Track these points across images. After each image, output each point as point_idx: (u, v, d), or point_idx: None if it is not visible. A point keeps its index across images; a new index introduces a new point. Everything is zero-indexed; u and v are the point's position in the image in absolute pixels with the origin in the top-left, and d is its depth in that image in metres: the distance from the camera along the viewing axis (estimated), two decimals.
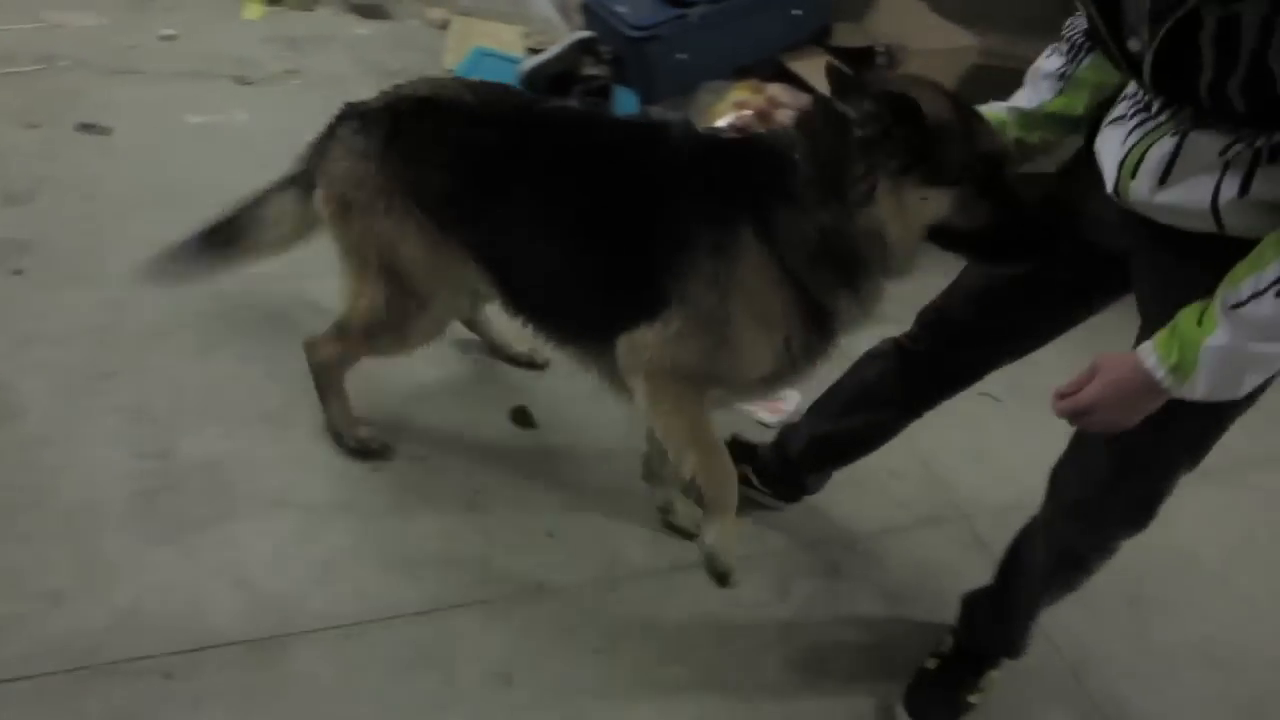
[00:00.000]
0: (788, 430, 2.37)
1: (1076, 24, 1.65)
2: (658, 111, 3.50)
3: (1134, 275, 1.59)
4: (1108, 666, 2.30)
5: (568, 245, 1.91)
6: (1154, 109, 1.43)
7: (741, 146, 1.85)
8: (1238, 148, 1.30)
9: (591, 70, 3.50)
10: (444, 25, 4.42)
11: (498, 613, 2.07)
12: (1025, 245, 1.68)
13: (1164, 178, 1.39)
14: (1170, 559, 2.59)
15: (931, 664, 2.10)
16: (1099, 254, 1.62)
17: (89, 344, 2.45)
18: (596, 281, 1.91)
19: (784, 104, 3.08)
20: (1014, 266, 1.74)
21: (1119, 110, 1.51)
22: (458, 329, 2.70)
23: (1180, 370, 1.34)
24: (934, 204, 1.61)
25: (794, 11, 3.59)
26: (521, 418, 2.56)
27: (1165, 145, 1.38)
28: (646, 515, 2.35)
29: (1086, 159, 1.60)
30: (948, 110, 1.60)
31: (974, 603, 2.10)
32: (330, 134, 2.06)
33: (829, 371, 2.74)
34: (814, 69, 3.47)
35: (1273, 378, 1.41)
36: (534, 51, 3.89)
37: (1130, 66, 1.36)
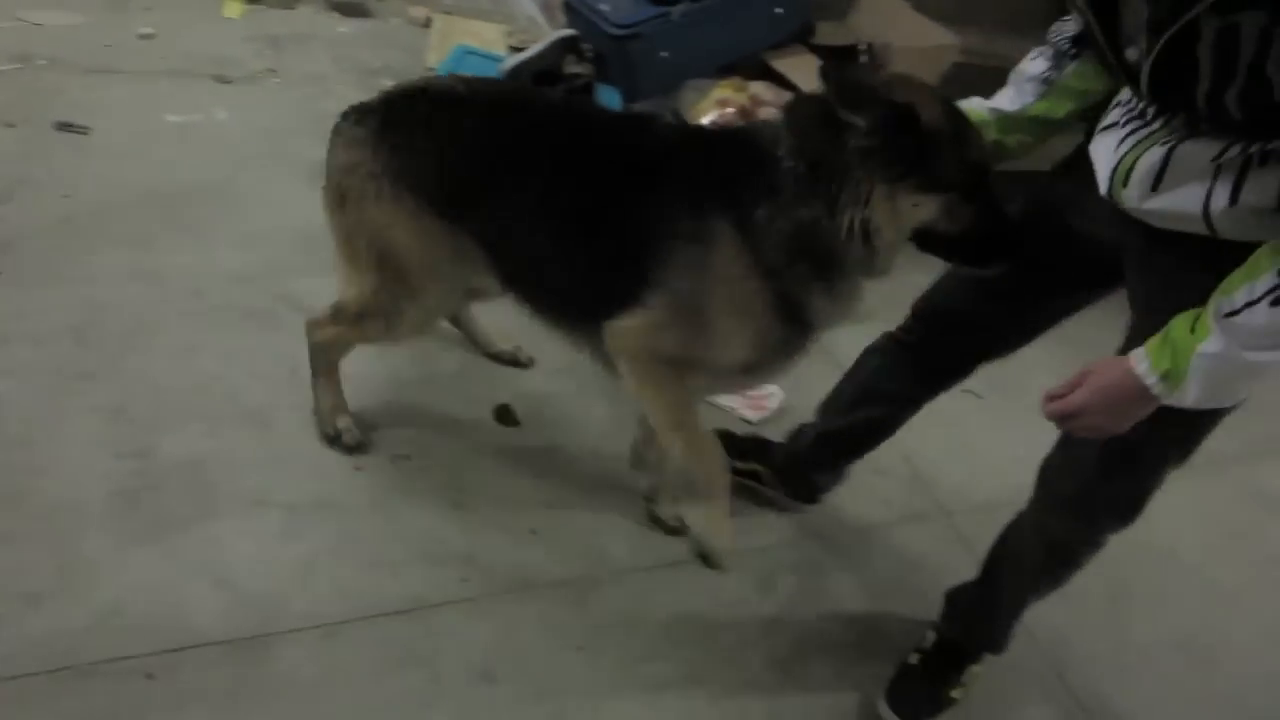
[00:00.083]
0: (798, 430, 2.39)
1: (1062, 30, 1.66)
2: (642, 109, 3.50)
3: (1128, 274, 1.59)
4: (1088, 661, 2.31)
5: (555, 231, 1.94)
6: (1148, 117, 1.44)
7: (725, 138, 1.89)
8: (1229, 154, 1.31)
9: (574, 68, 3.50)
10: (426, 23, 4.41)
11: (481, 611, 2.07)
12: (1001, 250, 1.72)
13: (1155, 185, 1.40)
14: (1150, 554, 2.60)
15: (914, 659, 2.11)
16: (1091, 245, 1.63)
17: (68, 344, 2.43)
18: (582, 267, 1.94)
19: (767, 102, 3.10)
20: (987, 269, 1.77)
21: (1112, 117, 1.53)
22: (443, 326, 2.70)
23: (1171, 377, 1.35)
24: (924, 209, 1.65)
25: (776, 10, 3.59)
26: (505, 416, 2.56)
27: (1156, 153, 1.40)
28: (630, 513, 2.35)
29: (1082, 157, 1.61)
30: (943, 118, 1.63)
31: (957, 598, 2.11)
32: (334, 133, 2.08)
33: (812, 368, 2.76)
34: (797, 67, 3.48)
35: None
36: (516, 50, 3.89)
37: (1127, 75, 1.38)
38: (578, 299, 2.01)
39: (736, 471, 2.42)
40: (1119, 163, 1.46)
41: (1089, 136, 1.60)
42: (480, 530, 2.23)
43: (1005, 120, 1.74)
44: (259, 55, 3.98)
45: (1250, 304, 1.26)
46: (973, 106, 1.76)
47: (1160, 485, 1.68)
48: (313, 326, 2.27)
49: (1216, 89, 1.24)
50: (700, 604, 2.22)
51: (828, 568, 2.39)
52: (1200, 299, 1.33)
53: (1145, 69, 1.31)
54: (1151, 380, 1.36)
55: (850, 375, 2.25)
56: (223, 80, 3.75)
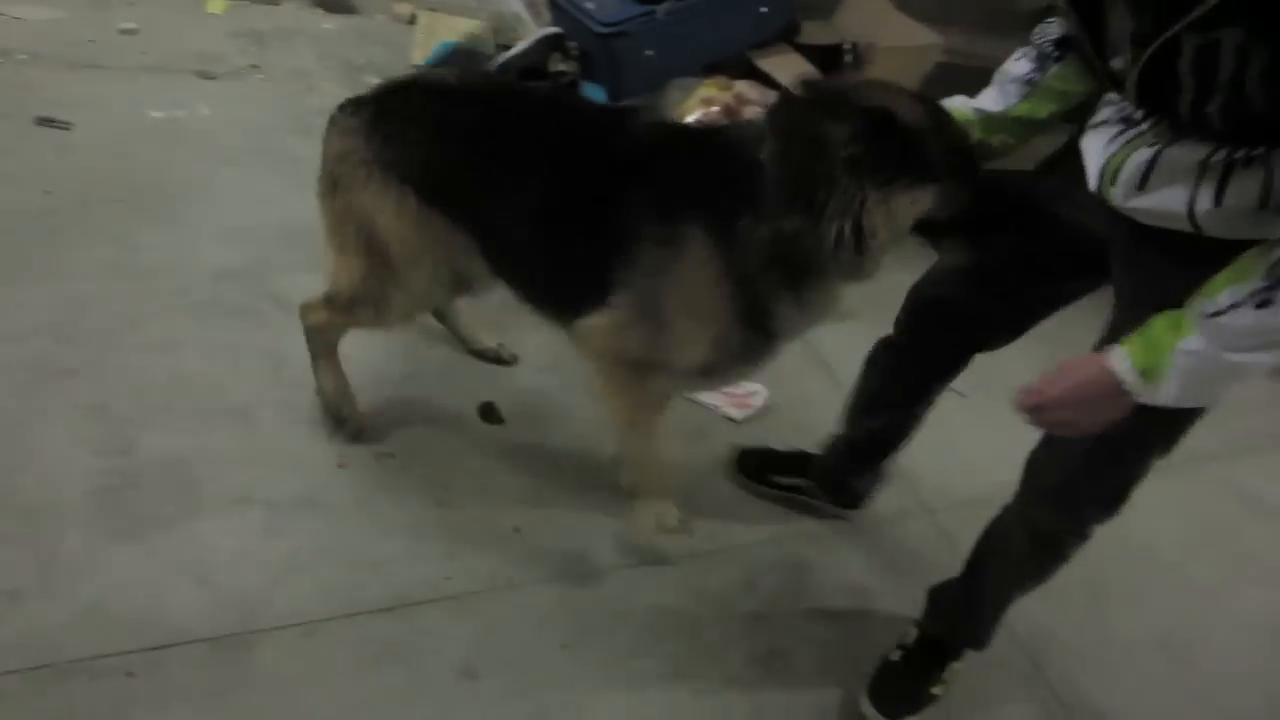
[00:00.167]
0: (830, 441, 2.41)
1: (1046, 32, 1.67)
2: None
3: (1114, 268, 1.61)
4: (1067, 656, 2.33)
5: (534, 226, 1.96)
6: (1136, 119, 1.46)
7: (704, 139, 1.89)
8: (1215, 158, 1.32)
9: (559, 66, 3.50)
10: (411, 20, 4.40)
11: (464, 608, 2.07)
12: (1001, 217, 1.73)
13: (1142, 184, 1.42)
14: (1129, 551, 2.62)
15: (896, 656, 2.12)
16: (1080, 235, 1.64)
17: (48, 341, 2.42)
18: (559, 262, 1.97)
19: (751, 101, 3.11)
20: (990, 245, 1.77)
21: (1102, 115, 1.54)
22: (428, 323, 2.70)
23: (1150, 375, 1.36)
24: (920, 203, 1.66)
25: (761, 9, 3.60)
26: (489, 413, 2.56)
27: (1144, 154, 1.41)
28: (614, 511, 2.35)
29: (1072, 152, 1.63)
30: (919, 113, 1.64)
31: (940, 595, 2.12)
32: (330, 122, 2.12)
33: (797, 367, 2.77)
34: (782, 66, 3.49)
35: None
36: (502, 47, 3.88)
37: (1113, 83, 1.41)
38: (556, 294, 2.04)
39: (780, 486, 2.49)
40: (1108, 161, 1.48)
41: (1081, 131, 1.62)
42: (463, 528, 2.23)
43: (989, 120, 1.75)
44: (242, 51, 3.96)
45: (1235, 306, 1.28)
46: (956, 106, 1.77)
47: (1146, 475, 1.69)
48: (306, 310, 2.30)
49: (1199, 102, 1.27)
50: (684, 601, 2.22)
51: (811, 565, 2.40)
52: (1184, 294, 1.34)
53: (1132, 79, 1.33)
54: (1129, 377, 1.37)
55: (858, 387, 2.27)
56: (206, 76, 3.74)
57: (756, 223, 1.71)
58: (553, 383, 2.68)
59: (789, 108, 1.73)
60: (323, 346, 2.34)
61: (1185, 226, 1.38)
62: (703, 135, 1.89)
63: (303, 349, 2.42)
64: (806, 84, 1.70)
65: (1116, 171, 1.46)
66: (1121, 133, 1.47)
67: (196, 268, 2.74)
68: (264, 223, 2.96)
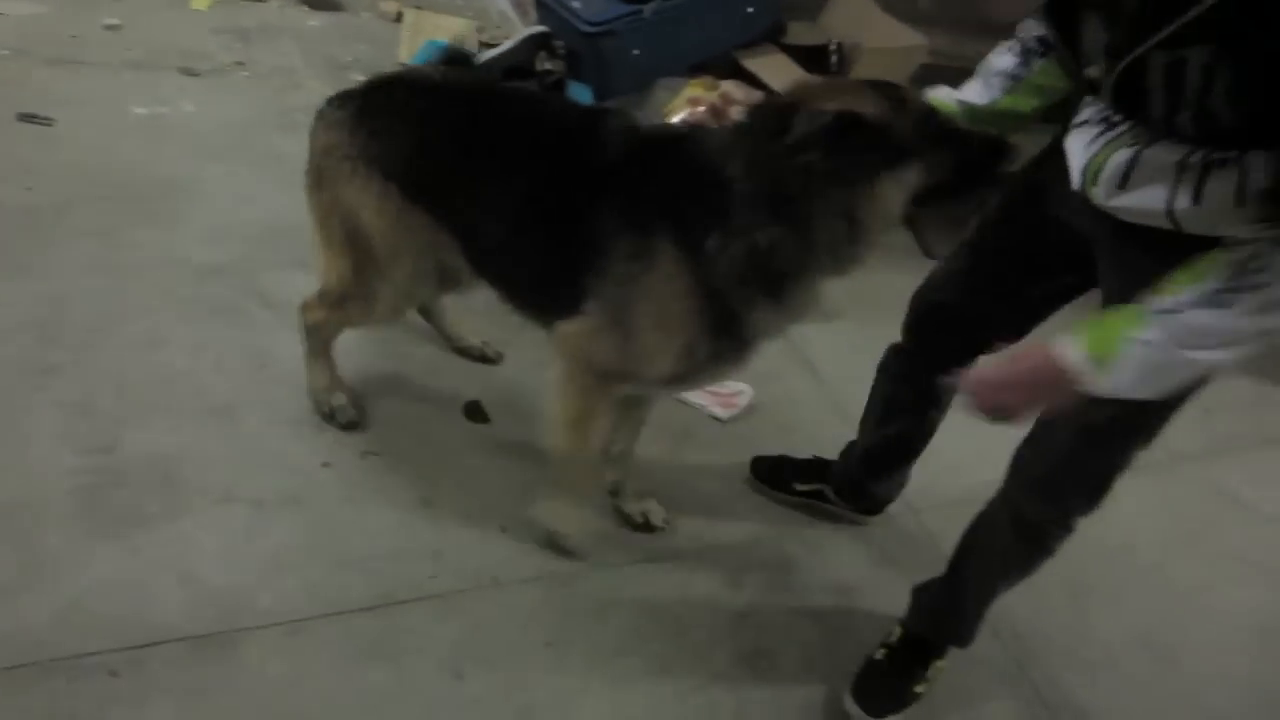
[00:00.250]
0: (848, 448, 2.43)
1: (1030, 28, 1.69)
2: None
3: (1100, 265, 1.63)
4: (1050, 655, 2.34)
5: (512, 228, 1.98)
6: (1115, 120, 1.48)
7: (673, 148, 1.86)
8: (1193, 159, 1.34)
9: (546, 65, 3.50)
10: (397, 18, 4.39)
11: (449, 607, 2.06)
12: (989, 163, 1.73)
13: (1122, 184, 1.44)
14: (1111, 551, 2.63)
15: (880, 654, 2.12)
16: (1069, 232, 1.66)
17: (30, 338, 2.40)
18: (536, 266, 1.99)
19: (737, 101, 3.09)
20: (985, 194, 1.80)
21: (1084, 115, 1.56)
22: (413, 321, 2.70)
23: (1101, 361, 1.37)
24: (908, 183, 1.66)
25: (747, 9, 3.61)
26: (475, 412, 2.55)
27: (1123, 155, 1.44)
28: (600, 510, 2.35)
29: (1058, 150, 1.64)
30: (881, 103, 1.64)
31: (924, 594, 2.12)
32: (316, 116, 2.14)
33: (784, 367, 2.78)
34: (768, 66, 3.51)
35: None
36: (488, 45, 3.88)
37: (1091, 89, 1.44)
38: (534, 297, 2.07)
39: (800, 493, 2.50)
40: (1089, 161, 1.50)
41: (1065, 130, 1.63)
42: (449, 527, 2.23)
43: (973, 112, 1.77)
44: (227, 48, 3.94)
45: (1192, 305, 1.30)
46: (940, 98, 1.79)
47: (1128, 465, 1.71)
48: (305, 308, 2.31)
49: (1169, 113, 1.30)
50: (669, 599, 2.22)
51: (796, 564, 2.41)
52: None
53: (1106, 87, 1.37)
54: (1079, 363, 1.39)
55: (872, 394, 2.29)
56: (190, 73, 3.72)
57: (728, 238, 1.72)
58: (538, 381, 2.66)
59: (748, 130, 1.74)
60: (319, 344, 2.35)
61: (1165, 224, 1.40)
62: (672, 143, 1.89)
63: (288, 347, 2.43)
64: (754, 108, 1.74)
65: (1098, 171, 1.48)
66: (1102, 133, 1.49)
67: (180, 265, 2.73)
68: (248, 220, 2.95)
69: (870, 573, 2.43)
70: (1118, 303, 1.53)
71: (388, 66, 3.79)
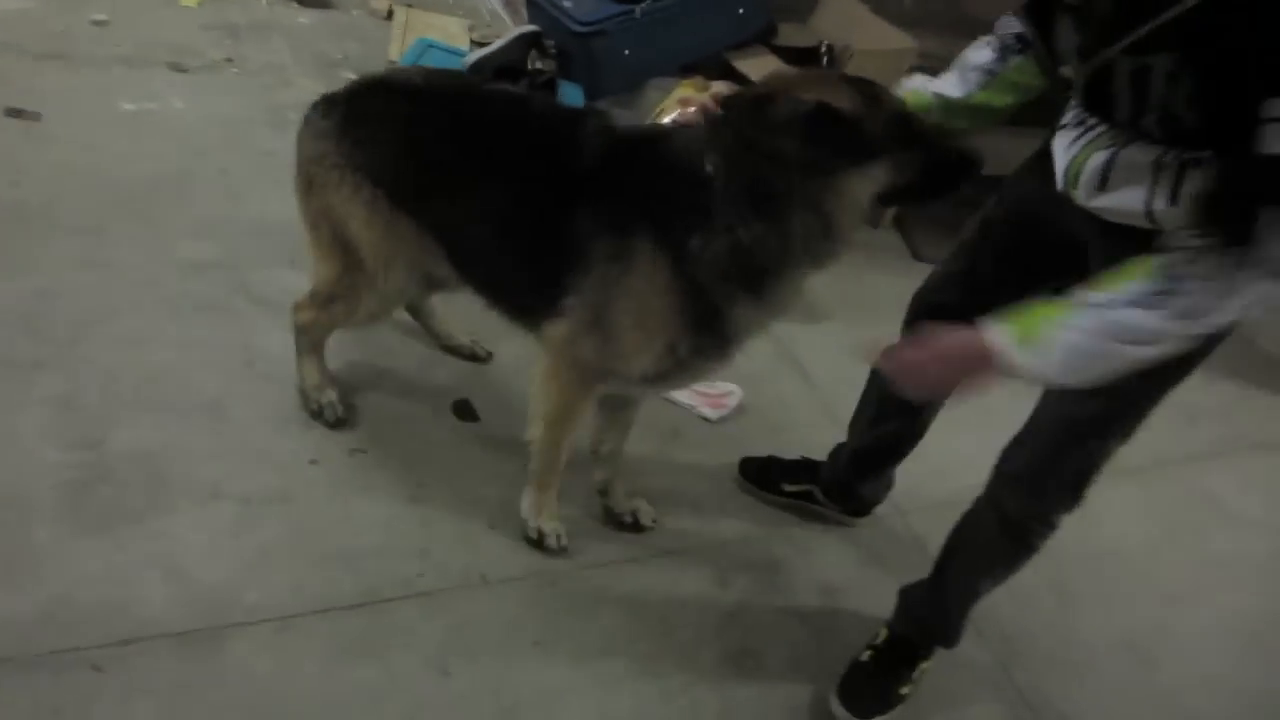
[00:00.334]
0: (837, 449, 2.44)
1: (1008, 24, 1.71)
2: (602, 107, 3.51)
3: (1091, 264, 1.64)
4: (1035, 658, 2.35)
5: (496, 231, 2.01)
6: (1092, 123, 1.51)
7: (652, 148, 1.88)
8: (1168, 158, 1.36)
9: (537, 64, 3.50)
10: (388, 15, 4.38)
11: (437, 605, 2.06)
12: (959, 168, 1.73)
13: (1102, 185, 1.47)
14: (1096, 554, 2.65)
15: (866, 656, 2.13)
16: (1064, 234, 1.68)
17: (16, 333, 2.38)
18: (521, 269, 2.02)
19: None
20: (950, 195, 1.78)
21: (1066, 117, 1.59)
22: (403, 319, 2.69)
23: (1027, 343, 1.41)
24: (876, 180, 1.67)
25: (738, 11, 3.62)
26: (464, 410, 2.55)
27: (1101, 157, 1.47)
28: (589, 509, 2.36)
29: (1048, 153, 1.67)
30: (855, 97, 1.66)
31: (911, 595, 2.13)
32: (303, 123, 2.16)
33: (773, 369, 2.79)
34: (759, 67, 3.51)
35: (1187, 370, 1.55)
36: (479, 44, 3.88)
37: (1065, 87, 1.47)
38: (518, 297, 2.08)
39: (789, 493, 2.51)
40: (1070, 163, 1.54)
41: (1053, 132, 1.66)
42: (437, 524, 2.23)
43: (947, 105, 1.79)
44: (217, 44, 3.92)
45: (1114, 304, 1.34)
46: (915, 88, 1.81)
47: (1106, 461, 1.74)
48: (296, 308, 2.32)
49: (1135, 115, 1.34)
50: (656, 599, 2.23)
51: (784, 564, 2.41)
52: None
53: (1078, 87, 1.41)
54: (1004, 341, 1.42)
55: (865, 394, 2.31)
56: (179, 69, 3.70)
57: (710, 237, 1.74)
58: (527, 380, 2.67)
59: (726, 121, 1.74)
60: (309, 344, 2.35)
61: (1145, 224, 1.43)
62: (650, 143, 1.91)
63: (276, 343, 2.43)
64: (730, 99, 1.74)
65: (1078, 173, 1.51)
66: (1081, 135, 1.52)
67: (168, 261, 2.72)
68: (236, 217, 2.94)
69: (857, 574, 2.44)
70: None
71: (378, 64, 3.80)
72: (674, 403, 2.76)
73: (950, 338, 1.50)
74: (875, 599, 2.27)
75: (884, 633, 2.16)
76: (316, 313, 2.28)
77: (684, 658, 2.12)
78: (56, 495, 2.04)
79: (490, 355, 2.73)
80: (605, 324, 1.87)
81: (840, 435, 2.40)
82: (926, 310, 2.06)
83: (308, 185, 2.12)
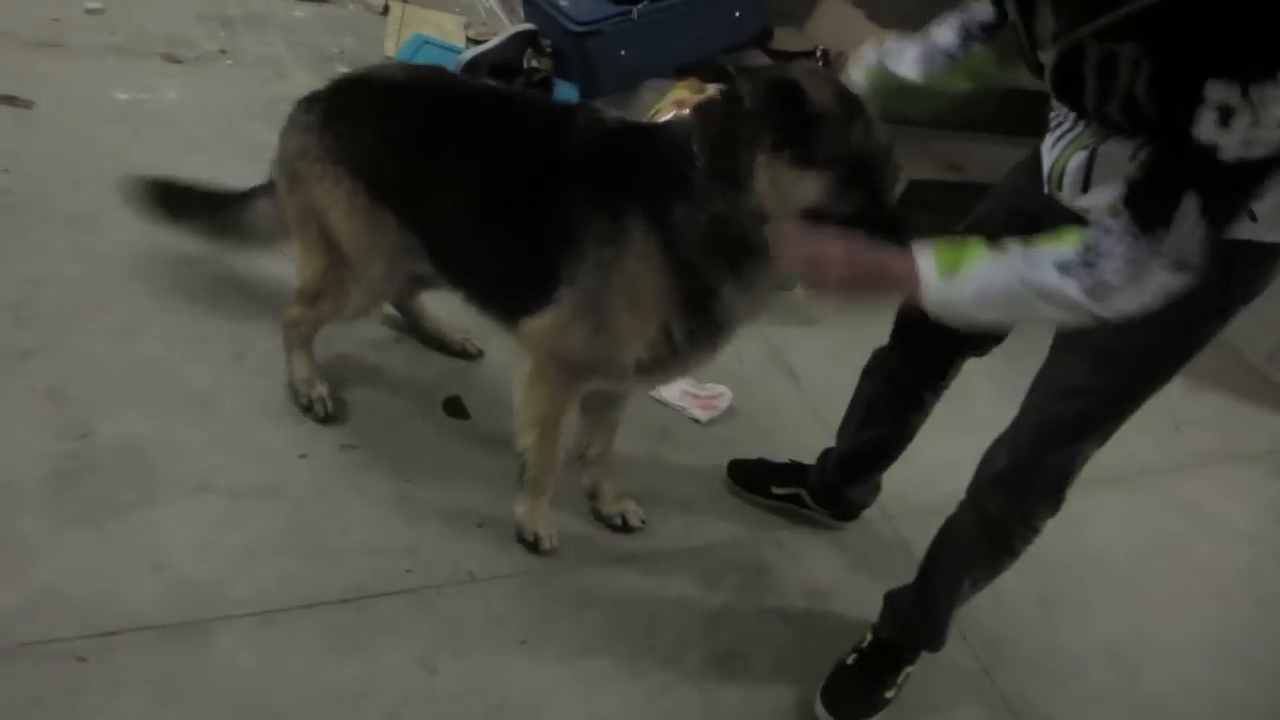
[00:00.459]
0: (825, 453, 2.45)
1: (976, 11, 1.73)
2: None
3: None
4: (1018, 664, 2.37)
5: (480, 224, 2.01)
6: (1070, 122, 1.55)
7: (643, 134, 1.94)
8: (1143, 153, 1.38)
9: (533, 63, 3.50)
10: (384, 10, 4.37)
11: (424, 602, 2.06)
12: (886, 239, 1.71)
13: (1085, 185, 1.50)
14: (1081, 561, 2.67)
15: (851, 659, 2.14)
16: None
17: (5, 321, 2.37)
18: (504, 262, 2.01)
19: None
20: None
21: (1052, 119, 1.61)
22: (393, 316, 2.69)
23: (948, 268, 1.45)
24: (806, 187, 1.65)
25: (735, 14, 3.63)
26: (454, 408, 2.55)
27: (1080, 157, 1.50)
28: (577, 508, 2.36)
29: (1038, 156, 1.69)
30: (831, 100, 1.65)
31: (896, 599, 2.14)
32: (287, 119, 2.17)
33: (763, 371, 2.79)
34: None
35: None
36: (475, 41, 3.88)
37: (1040, 74, 1.48)
38: (500, 293, 2.08)
39: (777, 496, 2.51)
40: (1054, 164, 1.57)
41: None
42: (425, 521, 2.22)
43: (902, 87, 1.81)
44: (211, 35, 3.91)
45: (1045, 264, 1.38)
46: (872, 63, 1.83)
47: (1085, 463, 1.77)
48: (282, 306, 2.33)
49: (1100, 101, 1.37)
50: (643, 600, 2.23)
51: (771, 567, 2.42)
52: None
53: (1049, 72, 1.43)
54: (927, 264, 1.46)
55: (854, 399, 2.32)
56: (173, 60, 3.68)
57: (692, 209, 1.75)
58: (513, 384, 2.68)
59: (712, 100, 1.77)
60: (298, 339, 2.35)
61: None
62: (643, 132, 1.93)
63: (266, 337, 2.43)
64: (725, 68, 1.79)
65: (1062, 174, 1.54)
66: (1062, 136, 1.56)
67: (159, 252, 2.70)
68: None
69: (844, 577, 2.44)
70: None
71: (374, 59, 3.80)
72: (664, 404, 2.76)
73: (881, 254, 1.53)
74: (861, 602, 2.28)
75: (869, 636, 2.16)
76: (304, 308, 2.28)
77: (670, 658, 2.12)
78: (43, 485, 2.03)
79: (481, 353, 2.72)
80: (600, 307, 1.86)
81: (829, 439, 2.41)
82: (913, 312, 2.06)
83: (291, 181, 2.14)
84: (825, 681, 2.11)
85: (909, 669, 2.14)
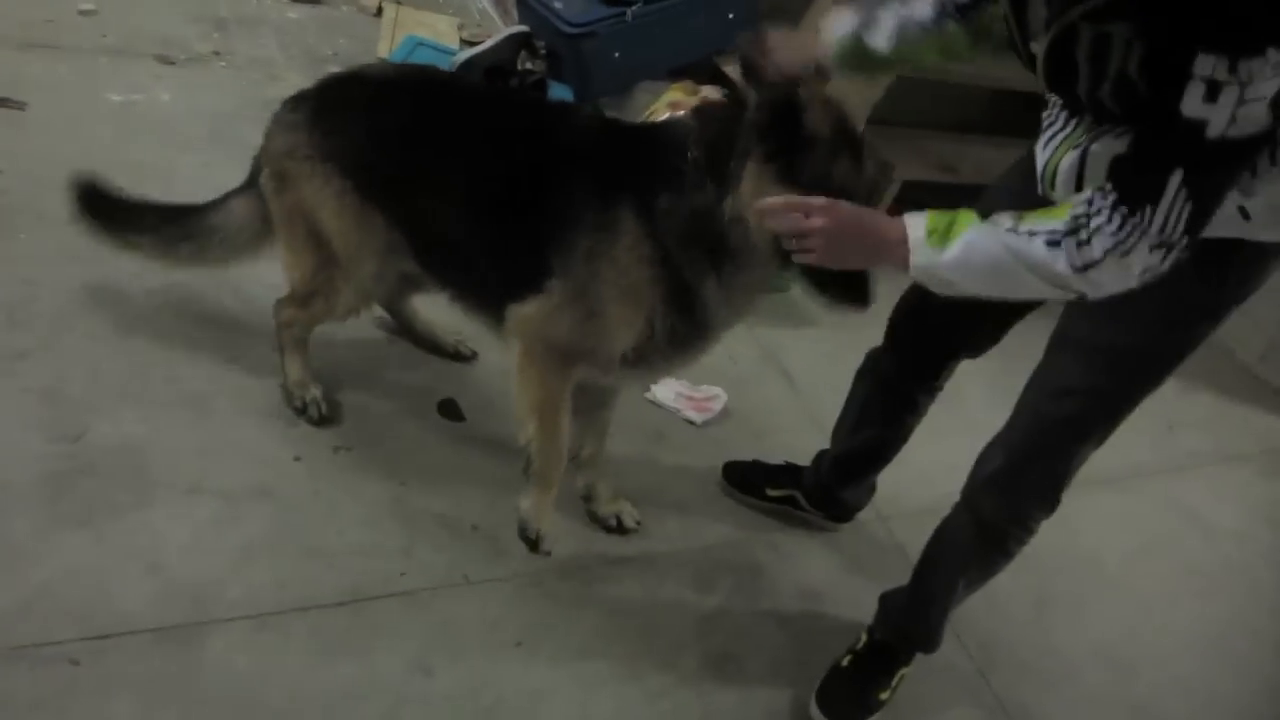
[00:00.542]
0: (818, 456, 2.45)
1: None
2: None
3: None
4: (1012, 666, 2.37)
5: (470, 216, 2.02)
6: (1061, 120, 1.56)
7: (640, 131, 1.99)
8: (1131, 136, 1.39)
9: (527, 65, 3.50)
10: (378, 12, 4.36)
11: (419, 604, 2.06)
12: (845, 288, 1.76)
13: (1078, 185, 1.50)
14: (1075, 563, 2.68)
15: (846, 661, 2.14)
16: None
17: None
18: (493, 252, 2.02)
19: None
20: (831, 301, 1.81)
21: (1044, 119, 1.63)
22: (387, 318, 2.69)
23: (935, 235, 1.46)
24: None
25: (729, 15, 3.63)
26: (449, 410, 2.55)
27: (1072, 156, 1.50)
28: (572, 510, 2.35)
29: (1031, 158, 1.70)
30: (827, 127, 1.70)
31: (891, 600, 2.15)
32: (272, 119, 2.18)
33: (758, 373, 2.80)
34: None
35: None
36: (469, 43, 3.87)
37: (1032, 65, 1.48)
38: (487, 282, 2.07)
39: (772, 498, 2.52)
40: (1045, 165, 1.58)
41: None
42: (420, 524, 2.22)
43: (868, 54, 1.82)
44: (205, 37, 3.90)
45: (1034, 234, 1.39)
46: (847, 32, 1.81)
47: (1080, 465, 1.77)
48: (277, 307, 2.32)
49: (1093, 87, 1.37)
50: (638, 601, 2.23)
51: (766, 569, 2.42)
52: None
53: (1040, 60, 1.43)
54: (917, 230, 1.47)
55: (848, 400, 2.32)
56: (166, 61, 3.67)
57: (678, 201, 1.78)
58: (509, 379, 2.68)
59: (714, 102, 1.79)
60: (292, 341, 2.34)
61: None
62: (636, 128, 1.96)
63: (260, 338, 2.42)
64: (747, 60, 1.79)
65: (1054, 174, 1.55)
66: (1053, 136, 1.57)
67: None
68: None
69: (839, 579, 2.45)
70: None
71: (368, 61, 3.79)
72: (659, 406, 2.77)
73: (872, 217, 1.54)
74: (856, 604, 2.29)
75: (864, 638, 2.17)
76: (296, 310, 2.28)
77: (665, 660, 2.12)
78: (37, 487, 2.03)
79: (475, 355, 2.72)
80: (589, 297, 1.87)
81: (823, 441, 2.42)
82: (908, 313, 2.08)
83: (279, 181, 2.14)
84: (820, 683, 2.11)
85: (903, 671, 2.14)
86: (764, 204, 1.61)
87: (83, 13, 3.80)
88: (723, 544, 2.45)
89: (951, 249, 1.44)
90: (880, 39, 1.79)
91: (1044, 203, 1.61)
